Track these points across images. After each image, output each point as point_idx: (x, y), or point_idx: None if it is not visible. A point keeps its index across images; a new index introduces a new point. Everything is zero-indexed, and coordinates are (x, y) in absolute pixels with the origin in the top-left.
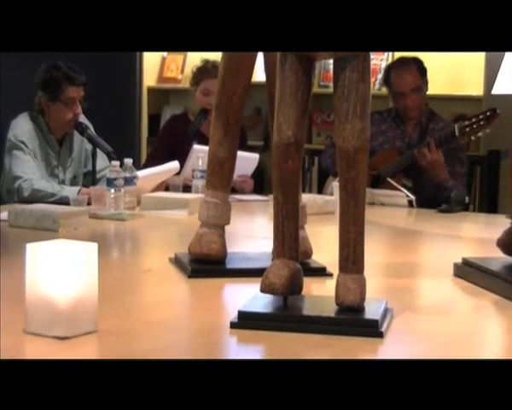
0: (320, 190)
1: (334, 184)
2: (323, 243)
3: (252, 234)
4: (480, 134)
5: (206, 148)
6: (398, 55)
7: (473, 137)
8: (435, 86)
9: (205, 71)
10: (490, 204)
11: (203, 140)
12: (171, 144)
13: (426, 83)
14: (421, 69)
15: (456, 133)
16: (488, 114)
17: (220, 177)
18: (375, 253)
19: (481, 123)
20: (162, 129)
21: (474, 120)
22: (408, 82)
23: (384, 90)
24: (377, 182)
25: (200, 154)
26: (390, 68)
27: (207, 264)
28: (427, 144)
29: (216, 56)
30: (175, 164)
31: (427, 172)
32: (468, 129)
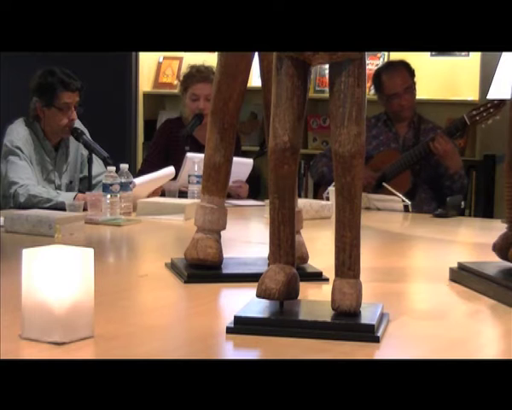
0: (316, 196)
1: (330, 189)
2: (319, 247)
3: (248, 239)
4: (489, 121)
5: (199, 154)
6: (393, 58)
7: (483, 125)
8: (431, 91)
9: (190, 77)
10: (485, 209)
11: (196, 145)
12: (166, 148)
13: (415, 84)
14: (409, 70)
15: (468, 122)
16: (496, 102)
17: (216, 182)
18: (371, 258)
19: (490, 110)
20: (157, 132)
21: (482, 108)
22: (400, 82)
23: None
24: (384, 181)
25: (195, 159)
26: (380, 73)
27: (203, 269)
28: (439, 135)
29: (203, 60)
30: (170, 169)
31: (445, 162)
32: (477, 117)
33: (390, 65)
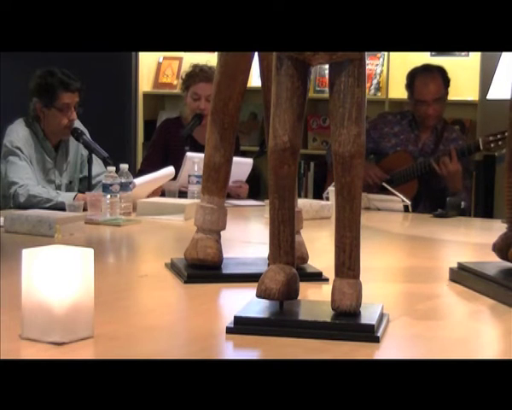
0: (315, 195)
1: (330, 189)
2: (319, 247)
3: (248, 239)
4: (503, 151)
5: (199, 154)
6: (393, 58)
7: (496, 154)
8: None
9: (193, 75)
10: (485, 209)
11: (195, 146)
12: (165, 147)
13: (447, 94)
14: (445, 79)
15: (481, 147)
16: None
17: (216, 182)
18: (371, 258)
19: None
20: (156, 132)
21: (499, 136)
22: (432, 91)
23: (380, 94)
24: (390, 184)
25: (195, 159)
26: (414, 74)
27: (203, 269)
28: (449, 154)
29: (206, 60)
30: (170, 169)
31: (445, 181)
32: (492, 144)
33: (427, 70)
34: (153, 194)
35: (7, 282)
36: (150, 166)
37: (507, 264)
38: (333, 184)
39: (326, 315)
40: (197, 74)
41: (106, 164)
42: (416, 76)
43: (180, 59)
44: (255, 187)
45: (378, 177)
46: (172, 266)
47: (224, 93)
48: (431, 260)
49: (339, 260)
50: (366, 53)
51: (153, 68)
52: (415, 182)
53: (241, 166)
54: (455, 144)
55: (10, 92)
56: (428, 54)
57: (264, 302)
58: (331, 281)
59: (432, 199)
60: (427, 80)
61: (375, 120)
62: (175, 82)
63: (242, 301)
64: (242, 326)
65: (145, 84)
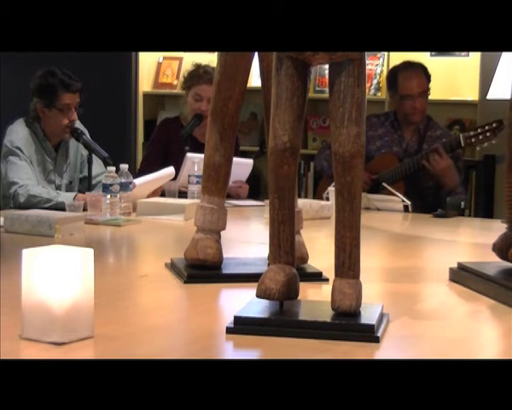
0: (316, 195)
1: (330, 189)
2: (319, 248)
3: (248, 239)
4: (485, 144)
5: (199, 154)
6: (393, 58)
7: (478, 147)
8: (431, 91)
9: (196, 76)
10: (485, 209)
11: (196, 145)
12: (164, 146)
13: (429, 89)
14: (427, 74)
15: (462, 143)
16: (494, 125)
17: (216, 182)
18: (371, 258)
19: (487, 134)
20: (155, 131)
21: (479, 130)
22: (416, 85)
23: (380, 94)
24: (378, 187)
25: (195, 159)
26: (396, 71)
27: (203, 269)
28: (436, 151)
29: (209, 61)
30: (170, 169)
31: (440, 179)
32: (473, 139)
33: (408, 66)
34: (153, 194)
35: (7, 282)
36: (150, 165)
37: (507, 264)
38: (333, 184)
39: (326, 315)
40: (201, 76)
41: (106, 164)
42: (398, 73)
43: (180, 59)
44: (255, 187)
45: (364, 180)
46: (172, 266)
47: (224, 93)
48: (431, 260)
49: (339, 260)
50: (366, 53)
51: (153, 68)
52: (401, 183)
53: (242, 167)
54: (439, 142)
55: (10, 92)
56: (428, 54)
57: (264, 302)
58: (331, 281)
59: (420, 199)
60: (411, 75)
61: None
62: (175, 82)
63: (242, 301)
64: (242, 326)
65: (145, 84)
